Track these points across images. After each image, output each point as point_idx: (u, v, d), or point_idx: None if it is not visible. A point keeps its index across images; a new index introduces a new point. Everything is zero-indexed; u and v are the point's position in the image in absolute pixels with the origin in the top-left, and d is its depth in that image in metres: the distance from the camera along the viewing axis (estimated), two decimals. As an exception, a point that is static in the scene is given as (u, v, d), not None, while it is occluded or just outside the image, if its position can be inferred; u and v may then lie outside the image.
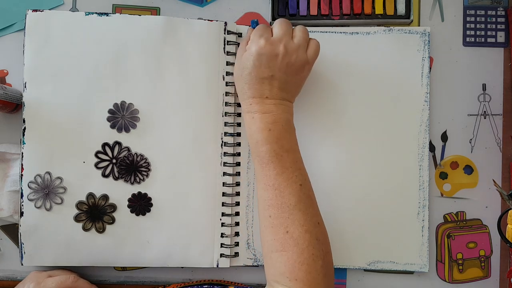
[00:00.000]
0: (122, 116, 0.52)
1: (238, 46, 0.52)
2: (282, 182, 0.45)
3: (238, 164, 0.54)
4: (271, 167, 0.46)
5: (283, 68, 0.46)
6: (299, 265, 0.43)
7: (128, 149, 0.52)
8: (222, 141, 0.53)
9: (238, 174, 0.54)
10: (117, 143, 0.52)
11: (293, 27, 0.49)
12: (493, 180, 0.54)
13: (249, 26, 0.54)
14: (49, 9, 0.54)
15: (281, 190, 0.45)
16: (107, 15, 0.52)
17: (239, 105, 0.54)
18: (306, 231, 0.44)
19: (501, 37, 0.56)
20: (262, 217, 0.46)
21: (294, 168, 0.46)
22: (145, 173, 0.52)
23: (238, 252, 0.54)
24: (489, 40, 0.56)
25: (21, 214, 0.51)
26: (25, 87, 0.51)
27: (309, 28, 0.54)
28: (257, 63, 0.46)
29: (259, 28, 0.48)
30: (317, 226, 0.45)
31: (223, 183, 0.53)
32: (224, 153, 0.53)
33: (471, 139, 0.56)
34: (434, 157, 0.56)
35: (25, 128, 0.51)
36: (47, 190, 0.51)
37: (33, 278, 0.50)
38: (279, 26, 0.47)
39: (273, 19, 0.55)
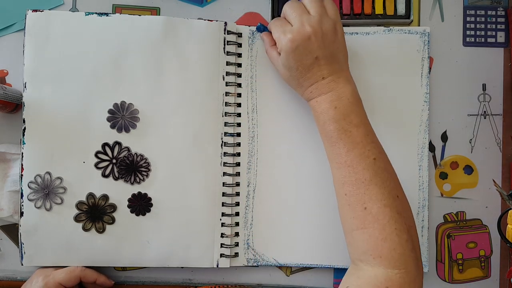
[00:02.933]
0: (122, 116, 0.52)
1: (267, 52, 0.52)
2: (354, 158, 0.44)
3: (238, 164, 0.54)
4: (340, 145, 0.44)
5: (321, 44, 0.45)
6: (382, 242, 0.41)
7: (128, 149, 0.52)
8: (222, 141, 0.53)
9: (238, 174, 0.54)
10: (117, 143, 0.52)
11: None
12: (493, 180, 0.54)
13: (255, 31, 0.54)
14: (49, 9, 0.54)
15: (353, 166, 0.44)
16: (107, 15, 0.52)
17: (239, 105, 0.54)
18: (385, 205, 0.42)
19: (501, 37, 0.56)
20: (338, 197, 0.45)
21: (365, 142, 0.44)
22: (145, 173, 0.52)
23: (238, 252, 0.54)
24: (489, 40, 0.56)
25: (21, 214, 0.51)
26: (25, 87, 0.51)
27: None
28: (297, 56, 0.46)
29: (277, 25, 0.47)
30: (397, 200, 0.43)
31: (223, 183, 0.53)
32: (224, 153, 0.53)
33: (471, 139, 0.56)
34: (434, 157, 0.55)
35: (25, 128, 0.51)
36: (47, 190, 0.51)
37: (40, 273, 0.50)
38: (291, 10, 0.46)
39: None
